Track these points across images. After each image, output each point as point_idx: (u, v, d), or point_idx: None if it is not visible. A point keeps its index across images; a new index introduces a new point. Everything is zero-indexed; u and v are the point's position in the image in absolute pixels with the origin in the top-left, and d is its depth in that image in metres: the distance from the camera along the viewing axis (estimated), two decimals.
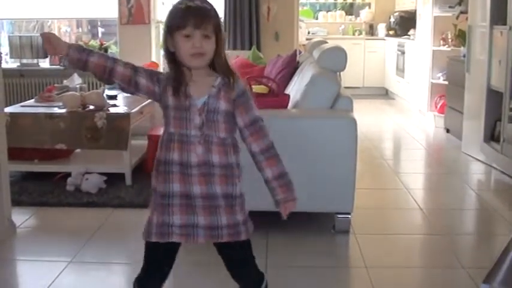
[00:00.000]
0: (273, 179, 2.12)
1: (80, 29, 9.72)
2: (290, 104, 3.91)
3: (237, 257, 2.22)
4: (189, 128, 2.05)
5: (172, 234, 2.10)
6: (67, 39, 9.19)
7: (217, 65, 2.06)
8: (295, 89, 4.32)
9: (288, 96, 4.00)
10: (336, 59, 4.04)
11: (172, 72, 2.06)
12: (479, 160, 5.65)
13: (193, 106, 2.04)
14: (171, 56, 2.06)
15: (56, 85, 6.01)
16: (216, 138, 2.06)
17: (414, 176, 5.40)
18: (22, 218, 4.00)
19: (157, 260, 2.20)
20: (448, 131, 7.05)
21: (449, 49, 7.43)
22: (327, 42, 5.28)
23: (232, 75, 2.07)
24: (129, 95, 5.91)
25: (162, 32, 2.17)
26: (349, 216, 3.74)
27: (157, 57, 7.84)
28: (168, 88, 2.06)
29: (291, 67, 5.17)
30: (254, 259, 2.24)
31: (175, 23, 2.01)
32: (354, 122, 3.60)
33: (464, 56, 6.21)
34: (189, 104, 2.04)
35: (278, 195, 2.13)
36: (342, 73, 4.35)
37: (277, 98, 3.92)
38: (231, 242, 2.13)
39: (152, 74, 2.10)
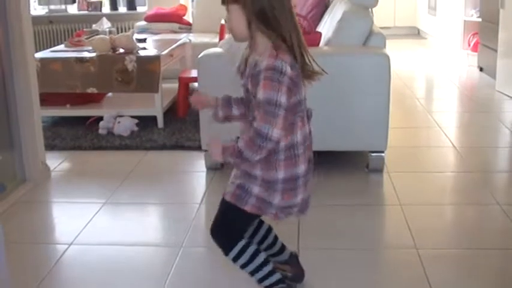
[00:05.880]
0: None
1: None
2: (322, 42, 3.85)
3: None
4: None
5: None
6: None
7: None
8: (326, 27, 4.24)
9: (320, 33, 3.93)
10: None
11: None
12: None
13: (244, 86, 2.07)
14: None
15: (85, 29, 6.00)
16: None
17: (447, 115, 5.32)
18: (56, 162, 4.04)
19: None
20: (481, 69, 6.91)
21: None
22: None
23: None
24: (157, 38, 5.91)
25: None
26: (383, 154, 3.71)
27: (185, 0, 7.76)
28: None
29: (321, 6, 5.07)
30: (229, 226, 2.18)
31: None
32: (387, 59, 3.54)
33: None
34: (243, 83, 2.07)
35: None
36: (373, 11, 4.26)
37: (308, 36, 3.84)
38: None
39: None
